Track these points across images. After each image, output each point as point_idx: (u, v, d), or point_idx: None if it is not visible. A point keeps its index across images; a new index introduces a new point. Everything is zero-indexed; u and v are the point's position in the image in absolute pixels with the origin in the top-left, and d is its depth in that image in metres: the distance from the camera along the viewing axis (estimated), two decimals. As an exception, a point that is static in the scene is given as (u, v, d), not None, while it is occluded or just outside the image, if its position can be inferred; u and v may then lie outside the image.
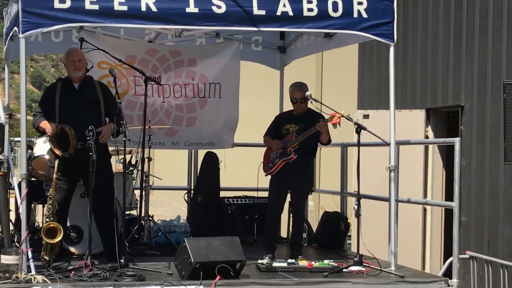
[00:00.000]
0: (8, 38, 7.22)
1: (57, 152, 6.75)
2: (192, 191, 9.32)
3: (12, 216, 7.32)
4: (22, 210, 6.20)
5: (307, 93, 7.30)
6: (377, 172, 7.93)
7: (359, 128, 6.94)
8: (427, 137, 10.14)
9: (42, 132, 7.04)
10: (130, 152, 8.38)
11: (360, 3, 6.73)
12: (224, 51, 9.06)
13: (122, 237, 6.80)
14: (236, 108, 9.20)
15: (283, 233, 8.91)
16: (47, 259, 6.35)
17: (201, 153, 9.34)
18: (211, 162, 9.10)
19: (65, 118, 6.83)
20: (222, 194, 9.17)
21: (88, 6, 6.24)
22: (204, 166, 9.16)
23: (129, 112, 8.43)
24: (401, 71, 10.62)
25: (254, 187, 8.71)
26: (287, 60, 9.47)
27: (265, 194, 8.00)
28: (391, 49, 6.90)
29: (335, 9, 6.68)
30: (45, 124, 6.77)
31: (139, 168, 7.96)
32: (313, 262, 6.73)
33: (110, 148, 7.69)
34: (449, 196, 9.76)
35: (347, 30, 6.86)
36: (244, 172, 10.20)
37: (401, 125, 8.59)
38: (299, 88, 7.45)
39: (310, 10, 6.64)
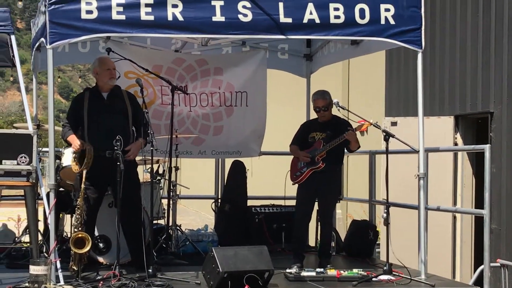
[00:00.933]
0: (35, 49, 7.28)
1: (74, 167, 6.75)
2: (219, 200, 9.30)
3: (41, 226, 7.34)
4: (51, 220, 6.22)
5: (335, 100, 7.26)
6: (405, 180, 7.86)
7: (388, 136, 6.89)
8: (456, 144, 10.04)
9: (70, 144, 7.07)
10: (157, 162, 8.39)
11: (387, 10, 6.69)
12: (251, 59, 9.05)
13: (150, 246, 6.79)
14: (263, 117, 9.18)
15: (311, 242, 8.85)
16: (76, 269, 6.36)
17: (228, 162, 9.33)
18: (238, 170, 9.08)
19: (93, 127, 6.85)
20: (249, 202, 9.14)
21: (115, 16, 6.26)
22: (231, 175, 9.13)
23: (156, 121, 8.44)
24: (429, 77, 10.54)
25: (281, 195, 8.67)
26: (313, 67, 9.43)
27: (293, 202, 7.97)
28: (419, 56, 6.85)
29: (362, 16, 6.65)
30: (72, 139, 6.78)
31: (167, 177, 7.95)
32: (342, 271, 6.67)
33: (138, 158, 7.70)
34: (479, 204, 9.65)
35: (374, 37, 6.82)
36: (271, 180, 10.16)
37: (430, 132, 8.50)
38: (321, 97, 7.42)
39: (337, 17, 6.61)
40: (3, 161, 6.19)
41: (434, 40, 10.67)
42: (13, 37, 6.74)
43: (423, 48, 6.83)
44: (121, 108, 6.99)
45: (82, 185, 6.54)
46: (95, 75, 7.13)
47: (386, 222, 6.84)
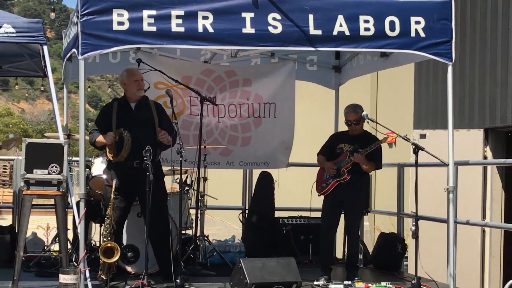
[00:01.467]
0: (66, 59, 7.35)
1: (109, 156, 6.79)
2: (246, 211, 9.31)
3: (70, 235, 7.39)
4: (80, 229, 6.26)
5: (364, 113, 7.25)
6: (434, 193, 7.81)
7: (417, 149, 6.86)
8: (485, 157, 9.97)
9: (99, 148, 7.11)
10: (185, 172, 8.42)
11: (417, 22, 6.67)
12: (279, 71, 9.07)
13: (178, 257, 6.82)
14: (291, 128, 9.19)
15: (339, 254, 8.83)
16: (105, 278, 6.39)
17: (256, 173, 9.34)
18: (266, 182, 9.08)
19: (121, 137, 6.88)
20: (277, 214, 9.15)
21: (146, 28, 6.31)
22: (258, 186, 9.14)
23: (184, 132, 8.48)
24: (458, 89, 10.48)
25: (309, 206, 8.66)
26: (342, 79, 9.42)
27: (320, 213, 7.95)
28: (449, 69, 6.81)
29: (392, 28, 6.64)
30: (101, 138, 6.83)
31: (195, 187, 7.98)
32: (370, 284, 6.65)
33: (166, 168, 7.74)
34: (508, 218, 9.57)
35: (404, 50, 6.79)
36: (298, 191, 10.15)
37: (459, 145, 8.45)
38: (353, 110, 7.41)
39: (367, 29, 6.61)
40: (34, 170, 6.25)
41: (464, 52, 10.62)
42: (45, 48, 6.82)
43: (453, 61, 6.80)
44: (149, 119, 7.03)
45: (112, 195, 6.58)
46: (123, 86, 7.18)
47: (415, 235, 6.81)
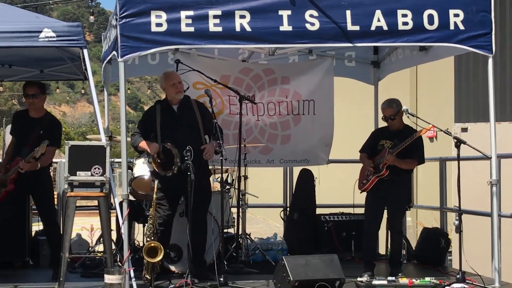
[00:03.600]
0: (106, 62, 7.43)
1: (160, 171, 6.86)
2: (288, 209, 9.32)
3: (113, 235, 7.47)
4: (124, 229, 6.33)
5: (404, 107, 7.21)
6: (477, 187, 7.74)
7: (459, 142, 6.80)
8: (528, 149, 9.82)
9: (140, 152, 7.18)
10: (226, 171, 8.46)
11: (456, 15, 6.61)
12: (317, 67, 9.05)
13: (221, 255, 6.85)
14: (331, 125, 9.17)
15: (382, 250, 8.79)
16: (149, 278, 6.45)
17: (296, 170, 9.34)
18: (307, 179, 9.08)
19: (167, 141, 6.94)
20: (318, 211, 9.13)
21: (184, 28, 6.36)
22: (299, 183, 9.14)
23: (224, 131, 8.44)
24: (499, 81, 10.36)
25: (350, 203, 8.64)
26: (381, 74, 9.37)
27: (362, 210, 7.92)
28: (490, 61, 6.74)
29: (431, 22, 6.59)
30: (145, 145, 6.90)
31: (236, 186, 8.02)
32: (414, 280, 6.61)
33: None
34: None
35: (444, 43, 6.74)
36: (339, 188, 10.13)
37: (501, 138, 8.35)
38: (387, 106, 7.38)
39: (405, 24, 6.57)
40: (78, 172, 6.33)
41: (504, 44, 10.50)
42: (85, 51, 6.89)
43: (493, 53, 6.72)
44: (192, 120, 7.07)
45: (154, 195, 6.64)
46: (163, 89, 7.24)
47: (459, 230, 6.76)
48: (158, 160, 6.86)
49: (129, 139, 7.02)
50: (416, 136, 7.10)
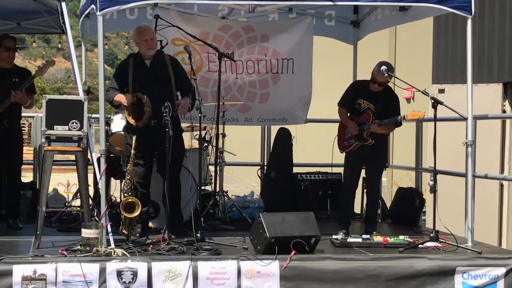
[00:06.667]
0: (84, 16, 7.34)
1: (131, 121, 6.84)
2: (265, 167, 9.36)
3: (91, 191, 7.47)
4: (102, 185, 6.32)
5: (382, 67, 7.15)
6: (452, 148, 7.81)
7: (436, 103, 6.82)
8: (504, 111, 9.93)
9: (116, 106, 7.13)
10: (204, 128, 8.46)
11: (437, -25, 6.59)
12: (297, 26, 9.01)
13: (198, 212, 6.88)
14: (309, 84, 9.17)
15: (357, 209, 8.87)
16: (126, 233, 6.46)
17: (274, 129, 9.36)
18: (284, 138, 9.11)
19: (140, 102, 6.89)
20: (295, 170, 9.18)
21: (163, -18, 6.28)
22: (277, 142, 9.17)
23: (203, 88, 8.47)
24: (477, 43, 10.39)
25: (327, 162, 8.68)
26: (360, 34, 9.35)
27: (338, 169, 7.96)
28: (469, 22, 6.75)
29: (411, -19, 6.56)
30: (120, 97, 6.85)
31: (213, 144, 8.02)
32: (388, 238, 6.69)
33: (185, 124, 7.77)
34: (527, 172, 9.55)
35: (423, 3, 6.75)
36: (316, 147, 10.18)
37: (478, 100, 8.41)
38: (386, 74, 7.14)
39: (385, -17, 6.54)
40: (55, 126, 6.28)
41: (483, 6, 10.51)
42: (63, 4, 6.79)
43: (473, 14, 6.73)
44: (164, 75, 7.00)
45: (132, 151, 6.62)
46: (135, 43, 7.18)
47: (433, 190, 6.82)
48: (131, 110, 6.82)
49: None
50: (406, 119, 7.08)
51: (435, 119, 6.86)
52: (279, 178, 8.92)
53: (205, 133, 8.44)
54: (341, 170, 8.00)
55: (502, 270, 6.19)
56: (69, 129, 6.29)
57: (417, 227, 8.01)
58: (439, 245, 6.60)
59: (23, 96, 7.34)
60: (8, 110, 7.32)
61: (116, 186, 8.04)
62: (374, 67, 7.30)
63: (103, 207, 6.23)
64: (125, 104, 6.81)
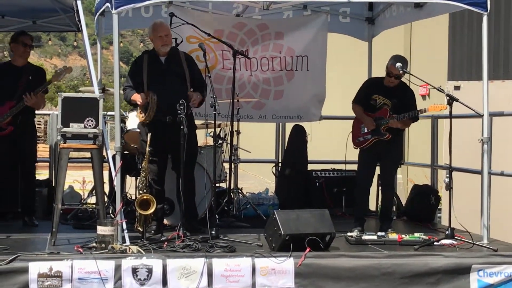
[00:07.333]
0: (99, 14, 7.36)
1: (139, 116, 6.86)
2: (280, 164, 9.36)
3: (106, 188, 7.49)
4: (117, 182, 6.34)
5: (398, 64, 7.14)
6: (468, 144, 7.77)
7: (451, 100, 6.79)
8: (520, 108, 9.85)
9: (134, 105, 7.17)
10: (219, 126, 8.47)
11: (452, -28, 6.56)
12: (312, 23, 9.00)
13: (213, 209, 6.89)
14: (323, 81, 9.16)
15: (372, 206, 8.85)
16: (141, 230, 6.48)
17: (289, 126, 9.35)
18: (299, 135, 9.10)
19: (153, 91, 6.91)
20: (310, 167, 9.18)
21: (178, -20, 6.30)
22: (291, 139, 9.17)
23: (217, 86, 8.48)
24: (493, 40, 10.33)
25: (341, 160, 8.67)
26: (375, 31, 9.32)
27: (353, 166, 7.94)
28: (484, 19, 6.72)
29: (427, -22, 6.54)
30: (136, 97, 6.88)
31: (228, 141, 8.03)
32: (403, 235, 6.68)
33: (200, 122, 7.79)
34: (543, 169, 9.45)
35: (439, 0, 6.70)
36: (331, 144, 10.16)
37: (493, 96, 8.36)
38: (400, 66, 7.13)
39: (400, -21, 6.52)
40: (71, 124, 6.31)
41: (499, 2, 10.44)
42: (79, 2, 6.82)
43: (488, 11, 6.70)
44: (179, 72, 7.02)
45: (147, 148, 6.64)
46: (150, 40, 7.20)
47: (449, 187, 6.79)
48: (143, 108, 6.85)
49: (121, 91, 7.00)
50: (428, 111, 7.06)
51: (450, 116, 6.84)
52: (293, 175, 8.92)
53: (220, 130, 8.46)
54: (355, 167, 7.98)
55: (518, 268, 6.16)
56: (85, 127, 6.32)
57: (432, 225, 7.99)
58: (454, 242, 6.58)
59: (37, 100, 7.36)
60: (21, 108, 7.35)
61: (131, 183, 8.06)
62: (388, 61, 7.28)
63: (119, 204, 6.26)
64: (140, 103, 6.84)
